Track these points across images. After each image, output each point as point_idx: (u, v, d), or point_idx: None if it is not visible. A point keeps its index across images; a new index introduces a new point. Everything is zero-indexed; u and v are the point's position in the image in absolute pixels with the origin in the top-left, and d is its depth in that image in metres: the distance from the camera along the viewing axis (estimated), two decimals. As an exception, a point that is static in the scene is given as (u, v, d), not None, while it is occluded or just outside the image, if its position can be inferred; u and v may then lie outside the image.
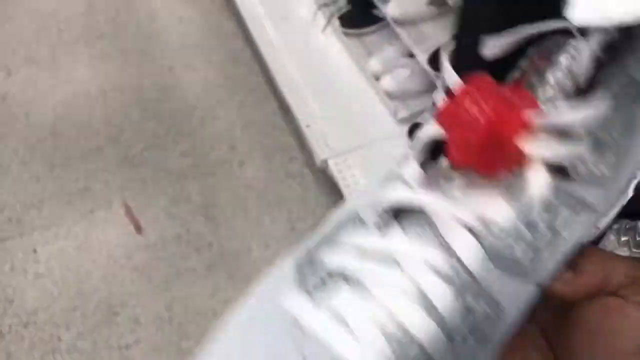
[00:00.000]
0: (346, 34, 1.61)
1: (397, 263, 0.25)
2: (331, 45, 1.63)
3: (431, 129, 0.26)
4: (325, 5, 1.66)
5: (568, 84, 0.25)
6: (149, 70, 1.79)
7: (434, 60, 1.28)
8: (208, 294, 1.34)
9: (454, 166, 0.25)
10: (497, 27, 0.25)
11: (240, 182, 1.52)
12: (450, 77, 0.26)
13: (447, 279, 0.24)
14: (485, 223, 0.24)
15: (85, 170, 1.57)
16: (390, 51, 1.47)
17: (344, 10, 1.63)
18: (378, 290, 0.25)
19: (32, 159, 1.60)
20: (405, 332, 0.24)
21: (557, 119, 0.23)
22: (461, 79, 0.25)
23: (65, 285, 1.38)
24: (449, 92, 0.26)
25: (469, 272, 0.24)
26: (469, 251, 0.24)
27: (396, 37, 1.40)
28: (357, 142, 1.41)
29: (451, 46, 0.27)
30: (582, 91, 0.25)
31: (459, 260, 0.24)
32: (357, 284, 0.25)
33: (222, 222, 1.46)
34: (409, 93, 1.44)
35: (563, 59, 0.25)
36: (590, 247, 0.29)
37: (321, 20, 1.66)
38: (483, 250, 0.24)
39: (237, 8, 1.81)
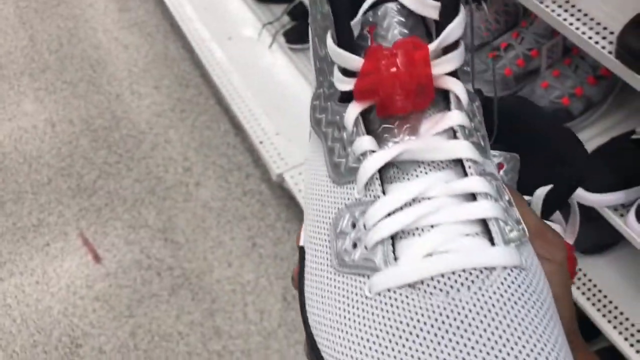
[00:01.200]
0: (292, 50, 1.63)
1: (428, 197, 0.28)
2: (278, 61, 1.66)
3: (354, 110, 0.30)
4: (270, 23, 1.68)
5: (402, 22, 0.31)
6: (97, 100, 1.78)
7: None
8: (172, 317, 1.33)
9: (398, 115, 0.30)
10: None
11: (197, 203, 1.52)
12: (342, 56, 0.29)
13: (473, 172, 0.28)
14: (455, 129, 0.29)
15: (38, 203, 1.54)
16: (336, 63, 1.50)
17: (288, 26, 1.65)
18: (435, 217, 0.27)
19: (-18, 197, 1.56)
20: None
21: (444, 38, 0.29)
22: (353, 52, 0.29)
23: (24, 322, 1.34)
24: (345, 71, 0.30)
25: (475, 161, 0.29)
26: (463, 148, 0.29)
27: (341, 49, 1.43)
28: (310, 154, 1.43)
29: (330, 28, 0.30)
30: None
31: (463, 160, 0.29)
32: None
33: (182, 244, 1.45)
34: (357, 102, 1.47)
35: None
36: (510, 188, 0.33)
37: (266, 37, 1.68)
38: (468, 143, 0.29)
39: (182, 32, 1.82)
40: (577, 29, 0.81)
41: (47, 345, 1.30)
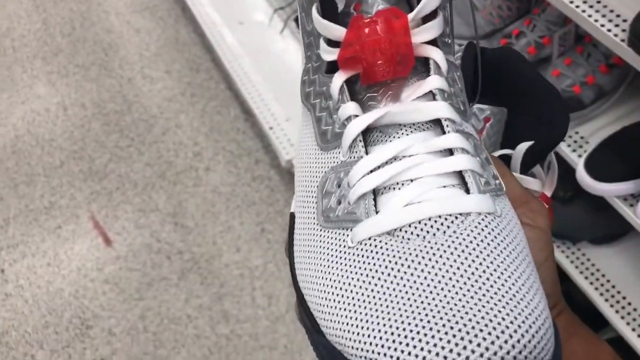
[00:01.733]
0: (303, 35, 1.62)
1: (408, 155, 0.29)
2: (289, 46, 1.65)
3: (339, 79, 0.31)
4: (281, 8, 1.68)
5: None
6: (109, 83, 1.79)
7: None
8: (182, 300, 1.35)
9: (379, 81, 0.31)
10: None
11: (207, 188, 1.53)
12: (326, 26, 0.31)
13: (450, 130, 0.30)
14: (434, 93, 0.31)
15: (50, 186, 1.56)
16: (347, 49, 1.49)
17: (299, 11, 1.65)
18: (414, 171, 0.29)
19: (-5, 179, 1.58)
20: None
21: (423, 8, 0.30)
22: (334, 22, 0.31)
23: (36, 303, 1.36)
24: (330, 42, 0.31)
25: (453, 121, 0.30)
26: (441, 108, 0.30)
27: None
28: (320, 140, 1.42)
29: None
30: None
31: (442, 120, 0.30)
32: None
33: (191, 229, 1.46)
34: (368, 89, 1.46)
35: None
36: (494, 157, 0.34)
37: (278, 23, 1.68)
38: (446, 104, 0.30)
39: (193, 16, 1.81)
40: (590, 16, 0.80)
41: (58, 326, 1.32)
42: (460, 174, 0.29)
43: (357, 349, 0.25)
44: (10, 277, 1.41)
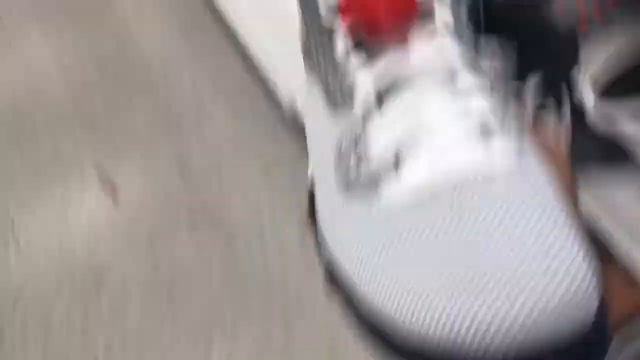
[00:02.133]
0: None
1: (423, 102, 0.28)
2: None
3: (342, 32, 0.31)
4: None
5: None
6: (106, 37, 1.75)
7: None
8: (192, 250, 1.35)
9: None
10: None
11: (210, 134, 1.51)
12: None
13: (465, 70, 0.30)
14: (441, 32, 0.30)
15: (53, 140, 1.55)
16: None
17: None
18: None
19: (-3, 137, 1.58)
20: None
21: None
22: None
23: (47, 258, 1.37)
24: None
25: (466, 61, 0.30)
26: (453, 49, 0.29)
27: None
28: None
29: None
30: None
31: (454, 61, 0.29)
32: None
33: (197, 177, 1.45)
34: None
35: None
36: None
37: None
38: (457, 46, 0.30)
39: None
40: None
41: (72, 279, 1.34)
42: (480, 118, 0.28)
43: (400, 307, 0.25)
44: (21, 234, 1.41)
